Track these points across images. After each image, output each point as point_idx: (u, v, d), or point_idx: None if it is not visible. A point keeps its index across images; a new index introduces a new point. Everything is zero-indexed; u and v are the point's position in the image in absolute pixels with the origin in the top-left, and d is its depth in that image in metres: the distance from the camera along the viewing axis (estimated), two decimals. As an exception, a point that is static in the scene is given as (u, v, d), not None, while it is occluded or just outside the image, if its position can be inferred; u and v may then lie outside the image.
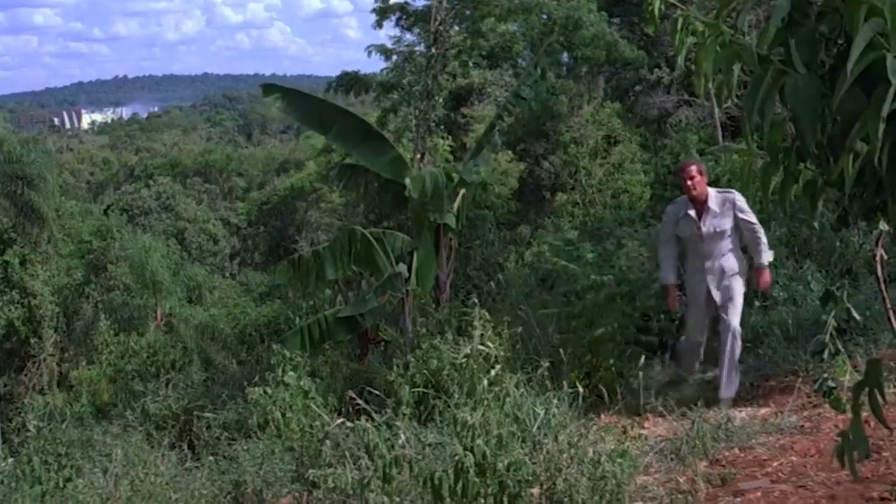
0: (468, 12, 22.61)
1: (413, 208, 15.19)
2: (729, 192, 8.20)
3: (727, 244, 8.10)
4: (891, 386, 6.42)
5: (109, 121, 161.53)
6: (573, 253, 11.63)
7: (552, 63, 22.41)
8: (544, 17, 25.14)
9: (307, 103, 16.16)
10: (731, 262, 8.11)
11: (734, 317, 8.00)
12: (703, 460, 5.89)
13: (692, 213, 8.14)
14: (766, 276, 8.14)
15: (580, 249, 11.59)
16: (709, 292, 8.14)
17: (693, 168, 8.18)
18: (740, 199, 8.05)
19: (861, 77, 2.00)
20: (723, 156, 14.33)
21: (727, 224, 8.03)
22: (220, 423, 11.05)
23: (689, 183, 8.08)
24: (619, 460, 5.02)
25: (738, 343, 8.02)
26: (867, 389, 2.47)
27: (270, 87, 16.26)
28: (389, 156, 15.49)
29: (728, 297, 8.06)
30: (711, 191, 8.18)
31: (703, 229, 8.07)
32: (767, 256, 8.10)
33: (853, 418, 2.56)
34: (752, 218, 8.04)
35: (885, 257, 3.27)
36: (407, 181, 14.69)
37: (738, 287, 8.10)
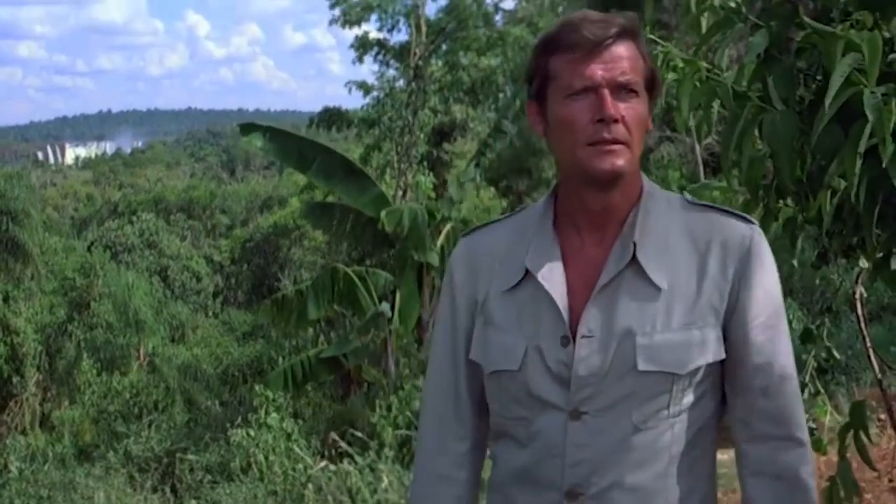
0: (444, 47, 22.67)
1: (396, 246, 15.15)
2: (731, 214, 1.78)
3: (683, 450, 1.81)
4: (873, 426, 6.38)
5: (93, 155, 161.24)
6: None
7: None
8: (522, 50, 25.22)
9: (286, 141, 16.10)
10: None
11: None
12: None
13: (552, 257, 1.76)
14: None
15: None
16: None
17: (617, 50, 1.72)
18: (765, 253, 1.74)
19: (839, 113, 1.98)
20: (705, 193, 14.38)
21: (708, 337, 1.75)
22: (202, 466, 10.99)
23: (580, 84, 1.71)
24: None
25: None
26: (852, 431, 2.45)
27: (248, 126, 16.20)
28: (371, 193, 15.46)
29: None
30: (659, 192, 1.83)
31: (579, 354, 1.72)
32: None
33: (840, 462, 2.53)
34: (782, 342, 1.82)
35: (865, 295, 3.23)
36: (382, 214, 14.62)
37: None
